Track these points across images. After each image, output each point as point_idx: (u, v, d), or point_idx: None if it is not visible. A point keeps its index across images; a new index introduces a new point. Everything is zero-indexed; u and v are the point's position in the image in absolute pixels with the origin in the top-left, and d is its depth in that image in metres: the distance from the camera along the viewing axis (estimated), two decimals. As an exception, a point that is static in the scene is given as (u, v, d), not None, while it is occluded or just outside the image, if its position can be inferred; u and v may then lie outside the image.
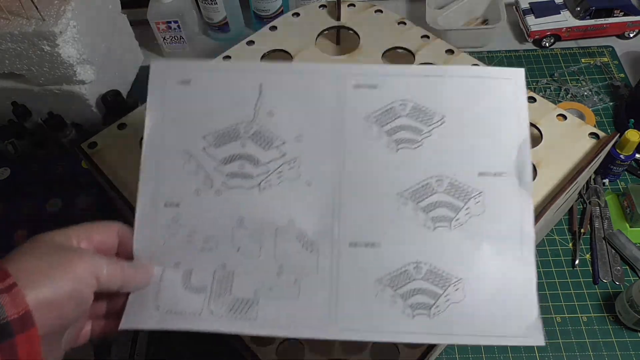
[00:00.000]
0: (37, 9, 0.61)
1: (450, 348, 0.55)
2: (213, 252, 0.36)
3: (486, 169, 0.37)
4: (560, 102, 0.75)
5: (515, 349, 0.54)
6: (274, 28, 0.63)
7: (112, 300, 0.35)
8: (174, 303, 0.35)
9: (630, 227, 0.62)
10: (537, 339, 0.34)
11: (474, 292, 0.35)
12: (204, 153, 0.38)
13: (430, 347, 0.41)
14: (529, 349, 0.54)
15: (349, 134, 0.38)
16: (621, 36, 0.85)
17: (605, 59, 0.81)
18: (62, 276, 0.28)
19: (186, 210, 0.37)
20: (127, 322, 0.34)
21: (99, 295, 0.32)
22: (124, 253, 0.35)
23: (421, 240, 0.36)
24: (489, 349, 0.54)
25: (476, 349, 0.54)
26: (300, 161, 0.37)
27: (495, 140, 0.37)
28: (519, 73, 0.38)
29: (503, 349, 0.54)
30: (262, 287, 0.35)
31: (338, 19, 0.64)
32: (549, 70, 0.81)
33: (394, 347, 0.44)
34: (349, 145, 0.38)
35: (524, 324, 0.34)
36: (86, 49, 0.67)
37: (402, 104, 0.38)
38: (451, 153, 0.37)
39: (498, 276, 0.35)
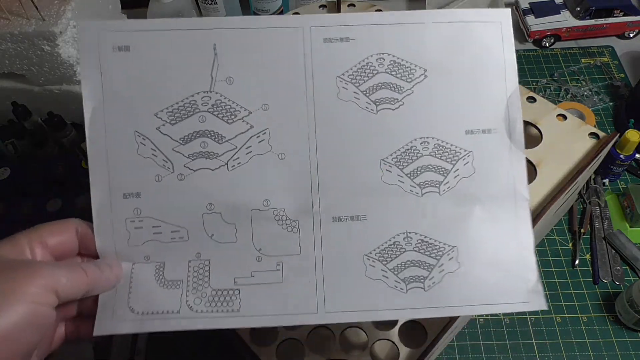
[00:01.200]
0: (37, 9, 0.61)
1: (450, 348, 0.55)
2: (184, 241, 0.33)
3: (474, 126, 0.34)
4: (560, 102, 0.75)
5: (515, 348, 0.54)
6: (274, 28, 0.63)
7: (83, 301, 0.32)
8: (149, 302, 0.32)
9: (630, 227, 0.62)
10: (539, 303, 0.32)
11: (469, 259, 0.33)
12: (158, 133, 0.33)
13: (430, 347, 0.41)
14: (529, 348, 0.54)
15: (322, 96, 0.34)
16: (621, 36, 0.85)
17: (605, 59, 0.81)
18: (12, 302, 0.25)
19: (148, 200, 0.33)
20: (101, 328, 0.31)
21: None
22: (88, 252, 0.33)
23: (410, 209, 0.33)
24: (489, 348, 0.54)
25: (476, 348, 0.55)
26: (270, 133, 0.34)
27: (482, 94, 0.34)
28: (505, 14, 0.35)
29: (503, 348, 0.54)
30: (242, 275, 0.33)
31: (338, 19, 0.64)
32: (549, 70, 0.81)
33: (394, 347, 0.44)
34: (323, 110, 0.34)
35: (524, 288, 0.32)
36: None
37: (380, 58, 0.34)
38: (435, 111, 0.34)
39: (493, 241, 0.33)
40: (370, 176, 0.34)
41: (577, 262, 0.60)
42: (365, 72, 0.34)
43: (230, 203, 0.33)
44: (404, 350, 0.43)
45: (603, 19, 0.81)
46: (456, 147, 0.34)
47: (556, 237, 0.62)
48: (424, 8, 0.83)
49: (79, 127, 0.71)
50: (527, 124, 0.52)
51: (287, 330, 0.44)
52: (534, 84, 0.79)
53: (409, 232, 0.33)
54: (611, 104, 0.75)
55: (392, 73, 0.34)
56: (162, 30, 0.34)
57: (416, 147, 0.34)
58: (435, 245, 0.33)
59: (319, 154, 0.34)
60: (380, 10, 0.65)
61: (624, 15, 0.81)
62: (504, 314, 0.57)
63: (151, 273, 0.33)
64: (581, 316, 0.56)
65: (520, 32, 0.85)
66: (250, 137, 0.34)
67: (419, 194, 0.34)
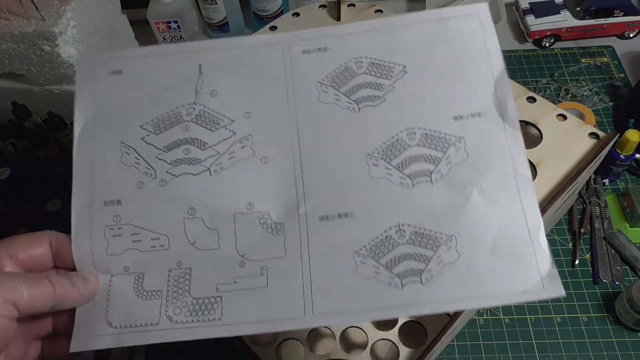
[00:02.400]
0: (37, 9, 0.61)
1: (450, 348, 0.55)
2: (165, 250, 0.32)
3: (462, 111, 0.33)
4: (560, 102, 0.75)
5: (515, 348, 0.54)
6: (274, 28, 0.63)
7: (58, 318, 0.31)
8: (127, 315, 0.31)
9: (630, 227, 0.62)
10: (556, 289, 0.30)
11: (470, 248, 0.31)
12: (143, 142, 0.34)
13: (430, 347, 0.41)
14: (529, 348, 0.54)
15: (302, 100, 0.34)
16: (621, 36, 0.85)
17: (605, 59, 0.81)
18: None
19: (129, 207, 0.33)
20: (78, 344, 0.30)
21: (36, 316, 0.28)
22: (64, 265, 0.32)
23: (400, 201, 0.32)
24: (489, 347, 0.54)
25: (476, 348, 0.54)
26: (252, 139, 0.34)
27: (466, 81, 0.34)
28: (482, 7, 0.35)
29: (503, 348, 0.54)
30: (224, 281, 0.32)
31: (338, 19, 0.64)
32: (549, 70, 0.81)
33: (394, 347, 0.44)
34: (305, 112, 0.34)
35: (536, 275, 0.30)
36: (86, 49, 0.67)
37: (358, 62, 0.35)
38: (419, 102, 0.34)
39: (496, 226, 0.31)
40: (356, 172, 0.33)
41: (577, 262, 0.60)
42: (344, 76, 0.35)
43: (212, 207, 0.33)
44: (404, 350, 0.43)
45: (603, 19, 0.81)
46: (445, 134, 0.33)
47: (556, 237, 0.62)
48: (424, 8, 0.83)
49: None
50: (527, 124, 0.52)
51: (287, 330, 0.44)
52: (534, 84, 0.79)
53: (402, 225, 0.32)
54: (611, 104, 0.75)
55: (372, 73, 0.34)
56: (151, 55, 0.36)
57: (402, 139, 0.33)
58: (431, 236, 0.31)
59: (302, 155, 0.33)
60: (380, 10, 0.65)
61: (624, 15, 0.81)
62: (504, 314, 0.57)
63: (130, 285, 0.32)
64: (581, 316, 0.56)
65: (520, 32, 0.85)
66: (233, 143, 0.34)
67: (410, 185, 0.33)
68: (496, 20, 0.82)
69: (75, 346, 0.30)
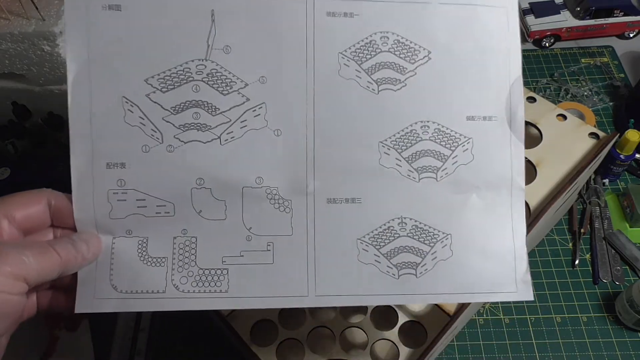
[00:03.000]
0: (37, 9, 0.61)
1: (450, 348, 0.55)
2: (170, 217, 0.32)
3: (475, 112, 0.33)
4: (560, 102, 0.75)
5: (515, 348, 0.54)
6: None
7: (58, 278, 0.30)
8: (133, 280, 0.31)
9: (630, 227, 0.62)
10: (526, 293, 0.33)
11: (462, 248, 0.33)
12: (148, 100, 0.31)
13: (430, 347, 0.41)
14: (529, 348, 0.54)
15: (322, 72, 0.32)
16: (621, 36, 0.85)
17: (605, 59, 0.81)
18: None
19: (134, 171, 0.31)
20: (83, 305, 0.30)
21: None
22: (63, 224, 0.31)
23: (406, 194, 0.33)
24: (489, 347, 0.54)
25: (476, 348, 0.54)
26: (266, 107, 0.32)
27: (485, 80, 0.33)
28: (511, 1, 0.34)
29: (503, 348, 0.54)
30: (230, 254, 0.32)
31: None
32: (549, 70, 0.81)
33: (394, 347, 0.44)
34: (323, 86, 0.32)
35: (513, 278, 0.33)
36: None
37: (384, 37, 0.33)
38: (438, 95, 0.33)
39: (487, 230, 0.33)
40: (368, 158, 0.33)
41: (577, 262, 0.60)
42: (368, 50, 0.33)
43: (221, 179, 0.32)
44: (404, 350, 0.43)
45: (603, 19, 0.81)
46: (456, 133, 0.33)
47: (556, 237, 0.62)
48: None
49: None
50: (527, 124, 0.52)
51: (287, 330, 0.44)
52: (534, 84, 0.79)
53: (404, 218, 0.33)
54: (611, 104, 0.75)
55: (396, 53, 0.33)
56: None
57: (416, 131, 0.33)
58: (430, 232, 0.33)
59: (316, 132, 0.32)
60: None
61: (624, 15, 0.81)
62: (504, 314, 0.57)
63: (134, 249, 0.31)
64: (581, 316, 0.56)
65: (520, 32, 0.85)
66: (246, 111, 0.32)
67: (416, 179, 0.33)
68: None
69: (80, 307, 0.30)
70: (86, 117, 0.31)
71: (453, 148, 0.33)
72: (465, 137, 0.33)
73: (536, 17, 0.83)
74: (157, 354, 0.56)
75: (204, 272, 0.31)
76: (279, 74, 0.32)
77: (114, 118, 0.31)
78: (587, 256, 0.61)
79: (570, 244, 0.62)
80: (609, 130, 0.72)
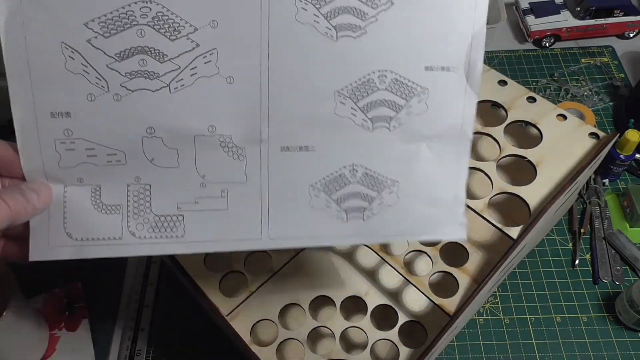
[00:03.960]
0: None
1: (450, 348, 0.55)
2: (122, 165, 0.31)
3: (434, 62, 0.33)
4: (560, 102, 0.75)
5: (515, 348, 0.54)
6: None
7: (9, 227, 0.30)
8: (87, 228, 0.31)
9: (630, 227, 0.62)
10: (462, 233, 0.35)
11: (408, 195, 0.34)
12: (90, 46, 0.30)
13: (430, 347, 0.41)
14: (529, 348, 0.54)
15: (278, 16, 0.31)
16: (621, 36, 0.85)
17: (605, 59, 0.82)
18: None
19: (80, 121, 0.30)
20: (37, 254, 0.30)
21: None
22: (9, 174, 0.30)
23: (358, 142, 0.33)
24: (489, 347, 0.54)
25: (476, 348, 0.54)
26: (217, 53, 0.31)
27: (447, 30, 0.33)
28: None
29: (503, 348, 0.54)
30: (185, 200, 0.32)
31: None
32: (549, 70, 0.81)
33: (394, 347, 0.44)
34: (279, 31, 0.31)
35: (452, 221, 0.34)
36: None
37: None
38: (398, 43, 0.32)
39: (433, 179, 0.34)
40: (323, 107, 0.32)
41: (577, 262, 0.60)
42: None
43: (172, 128, 0.31)
44: (404, 350, 0.43)
45: (603, 19, 0.81)
46: (413, 83, 0.33)
47: (556, 237, 0.62)
48: None
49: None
50: (527, 124, 0.52)
51: (287, 330, 0.45)
52: (534, 84, 0.79)
53: (355, 165, 0.33)
54: (611, 104, 0.75)
55: None
56: None
57: (373, 80, 0.33)
58: (379, 180, 0.34)
59: (270, 80, 0.32)
60: None
61: (624, 15, 0.81)
62: (504, 314, 0.57)
63: (86, 197, 0.31)
64: (581, 316, 0.56)
65: (520, 32, 0.85)
66: (196, 57, 0.31)
67: (370, 128, 0.33)
68: (496, 20, 0.82)
69: (34, 255, 0.30)
70: (24, 65, 0.29)
71: (408, 98, 0.33)
72: (421, 87, 0.33)
73: (536, 17, 0.83)
74: (157, 354, 0.56)
75: (159, 219, 0.32)
76: (232, 17, 0.31)
77: (54, 65, 0.30)
78: (587, 256, 0.61)
79: (570, 244, 0.62)
80: (609, 130, 0.72)
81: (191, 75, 0.31)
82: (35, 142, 0.30)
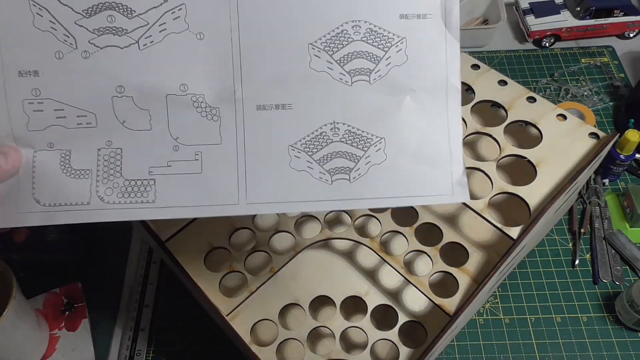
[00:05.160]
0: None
1: (450, 348, 0.55)
2: (92, 128, 0.31)
3: (409, 10, 0.32)
4: (560, 102, 0.75)
5: (515, 348, 0.54)
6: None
7: None
8: (55, 193, 0.30)
9: (630, 227, 0.62)
10: (463, 195, 0.32)
11: (397, 151, 0.32)
12: (57, 2, 0.30)
13: (430, 347, 0.41)
14: (529, 348, 0.54)
15: None
16: (621, 36, 0.85)
17: (605, 59, 0.81)
18: None
19: (48, 80, 0.30)
20: (6, 220, 0.30)
21: None
22: None
23: (338, 98, 0.32)
24: (489, 347, 0.54)
25: (476, 348, 0.54)
26: (186, 8, 0.30)
27: None
28: None
29: (503, 348, 0.54)
30: (157, 164, 0.31)
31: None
32: (549, 70, 0.81)
33: (394, 347, 0.44)
34: None
35: (449, 181, 0.32)
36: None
37: None
38: None
39: (422, 133, 0.32)
40: (297, 62, 0.31)
41: (577, 262, 0.60)
42: None
43: (142, 86, 0.31)
44: (404, 350, 0.43)
45: (603, 19, 0.81)
46: (389, 32, 0.32)
47: (556, 237, 0.62)
48: None
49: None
50: (527, 124, 0.52)
51: (287, 330, 0.45)
52: (534, 84, 0.79)
53: (337, 123, 0.32)
54: (611, 104, 0.75)
55: None
56: None
57: (347, 31, 0.32)
58: (363, 137, 0.32)
59: (241, 35, 0.31)
60: None
61: (624, 15, 0.81)
62: (504, 314, 0.57)
63: (56, 162, 0.31)
64: (581, 316, 0.56)
65: (520, 32, 0.85)
66: (165, 13, 0.30)
67: (349, 82, 0.32)
68: (496, 20, 0.82)
69: (3, 222, 0.30)
70: None
71: (386, 49, 0.32)
72: (398, 36, 0.32)
73: (536, 17, 0.83)
74: (157, 354, 0.56)
75: (129, 183, 0.31)
76: None
77: (21, 23, 0.30)
78: (587, 256, 0.61)
79: (570, 244, 0.62)
80: (609, 130, 0.72)
81: (160, 32, 0.30)
82: (2, 103, 0.30)
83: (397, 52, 0.32)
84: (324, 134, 0.32)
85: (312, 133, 0.32)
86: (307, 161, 0.32)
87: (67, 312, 0.57)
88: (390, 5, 0.32)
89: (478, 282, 0.45)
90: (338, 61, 0.32)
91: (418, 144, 0.32)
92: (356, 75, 0.32)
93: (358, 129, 0.32)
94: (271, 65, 0.31)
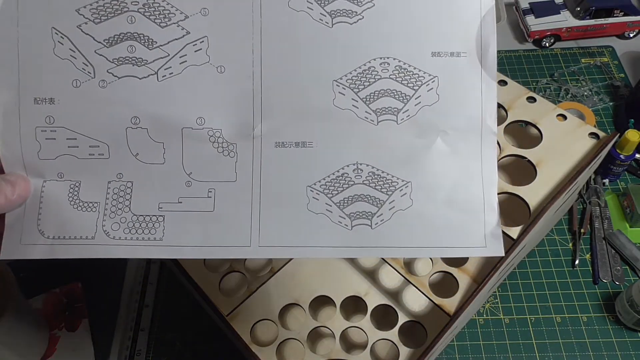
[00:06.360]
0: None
1: (450, 348, 0.55)
2: (105, 159, 0.30)
3: (441, 47, 0.30)
4: (560, 102, 0.75)
5: (515, 348, 0.54)
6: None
7: None
8: (60, 225, 0.29)
9: (630, 227, 0.62)
10: (497, 249, 0.30)
11: (424, 197, 0.30)
12: (79, 32, 0.29)
13: (430, 347, 0.41)
14: (529, 348, 0.54)
15: (270, 3, 0.30)
16: (621, 36, 0.85)
17: (605, 59, 0.82)
18: None
19: (64, 108, 0.30)
20: (9, 252, 0.29)
21: None
22: None
23: (362, 137, 0.30)
24: (489, 347, 0.54)
25: (476, 348, 0.54)
26: (208, 41, 0.30)
27: (453, 10, 0.30)
28: None
29: (503, 348, 0.54)
30: (168, 200, 0.30)
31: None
32: (549, 70, 0.81)
33: (394, 347, 0.44)
34: (271, 18, 0.30)
35: (481, 232, 0.30)
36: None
37: None
38: (398, 28, 0.30)
39: (453, 178, 0.30)
40: (321, 98, 0.30)
41: (577, 262, 0.60)
42: None
43: (158, 118, 0.30)
44: (404, 350, 0.43)
45: (603, 19, 0.81)
46: (420, 70, 0.30)
47: (556, 237, 0.62)
48: None
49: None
50: (527, 124, 0.52)
51: (287, 330, 0.45)
52: (534, 84, 0.79)
53: (360, 164, 0.30)
54: (611, 104, 0.75)
55: None
56: None
57: (375, 68, 0.30)
58: (388, 180, 0.30)
59: (263, 69, 0.30)
60: None
61: (624, 15, 0.81)
62: (504, 314, 0.57)
63: (64, 193, 0.30)
64: (581, 316, 0.56)
65: (520, 32, 0.85)
66: (186, 45, 0.30)
67: (375, 121, 0.30)
68: (496, 20, 0.82)
69: (5, 253, 0.29)
70: (13, 48, 0.29)
71: (416, 87, 0.30)
72: (430, 75, 0.30)
73: (536, 17, 0.83)
74: (157, 354, 0.56)
75: (137, 219, 0.30)
76: (223, 5, 0.30)
77: (42, 50, 0.29)
78: (587, 256, 0.61)
79: (570, 244, 0.62)
80: (609, 130, 0.72)
81: (180, 64, 0.30)
82: (15, 129, 0.29)
83: (428, 91, 0.30)
84: (345, 175, 0.30)
85: (333, 174, 0.30)
86: (326, 203, 0.30)
87: (67, 312, 0.57)
88: (422, 42, 0.30)
89: (478, 282, 0.45)
90: (364, 99, 0.30)
91: (448, 190, 0.30)
92: (383, 114, 0.30)
93: (383, 172, 0.30)
94: (293, 101, 0.30)
